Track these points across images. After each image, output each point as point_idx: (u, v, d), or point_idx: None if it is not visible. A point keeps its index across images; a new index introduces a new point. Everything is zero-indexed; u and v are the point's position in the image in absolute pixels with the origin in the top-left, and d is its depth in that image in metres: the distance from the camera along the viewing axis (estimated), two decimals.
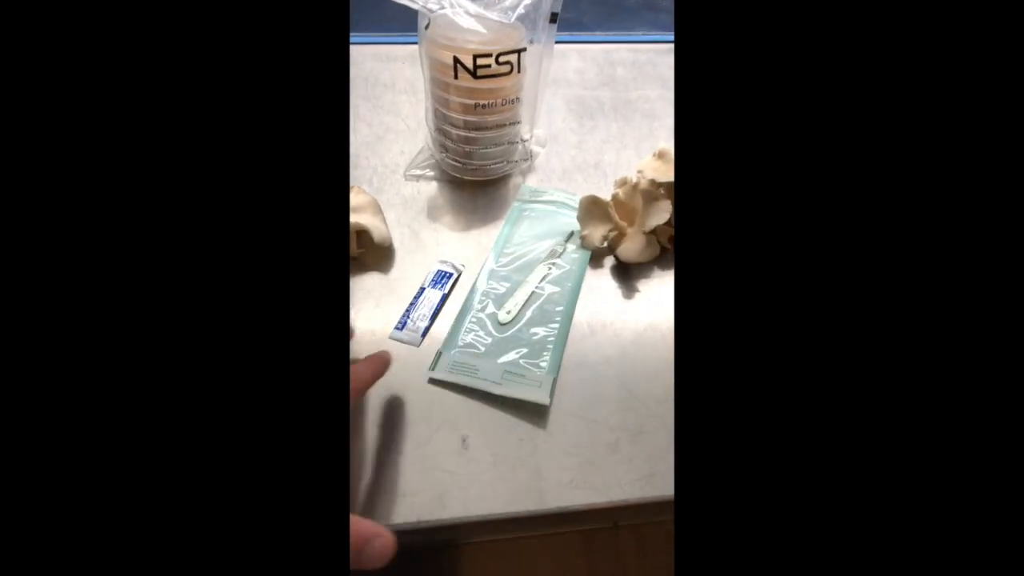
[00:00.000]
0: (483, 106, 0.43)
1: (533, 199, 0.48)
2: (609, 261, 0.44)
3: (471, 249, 0.44)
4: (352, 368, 0.30)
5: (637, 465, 0.33)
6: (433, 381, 0.36)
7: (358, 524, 0.23)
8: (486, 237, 0.45)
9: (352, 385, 0.29)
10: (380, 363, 0.32)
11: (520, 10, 0.42)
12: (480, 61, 0.41)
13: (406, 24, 0.43)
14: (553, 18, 0.44)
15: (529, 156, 0.51)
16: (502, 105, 0.44)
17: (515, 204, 0.47)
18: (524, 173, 0.51)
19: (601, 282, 0.43)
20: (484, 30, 0.41)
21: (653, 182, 0.43)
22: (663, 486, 0.33)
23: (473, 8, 0.41)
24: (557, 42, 0.45)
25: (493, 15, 0.41)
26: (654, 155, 0.46)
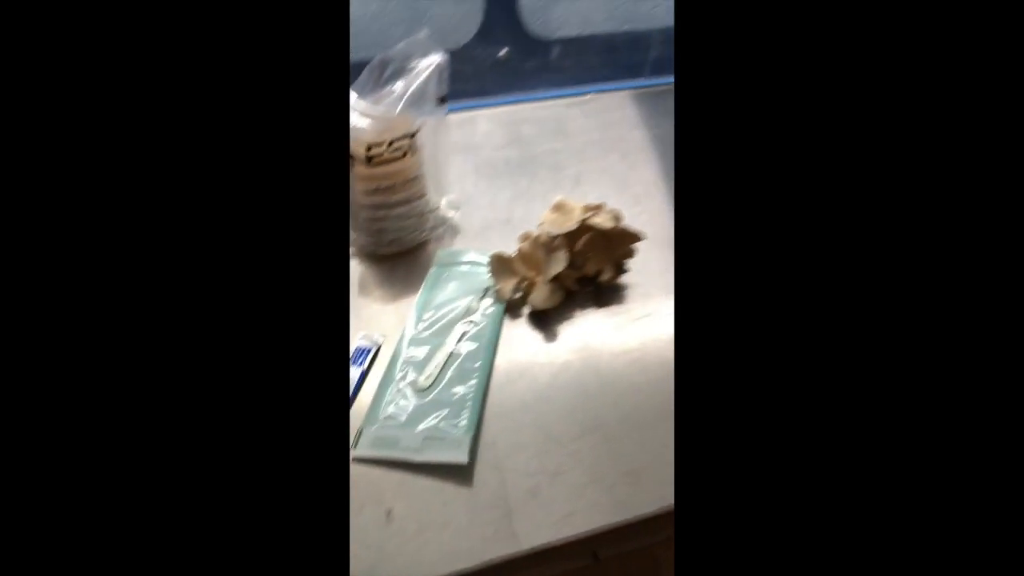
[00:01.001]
0: (385, 188, 0.47)
1: (450, 262, 0.51)
2: (527, 310, 0.47)
3: (392, 320, 0.46)
4: None
5: (556, 507, 0.35)
6: (356, 460, 0.37)
7: None
8: (407, 306, 0.48)
9: None
10: None
11: (406, 98, 0.46)
12: (372, 152, 0.45)
13: None
14: (440, 101, 0.48)
15: (443, 222, 0.55)
16: (404, 184, 0.48)
17: (432, 270, 0.50)
18: (440, 239, 0.54)
19: (520, 331, 0.46)
20: (372, 122, 0.45)
21: (549, 235, 0.46)
22: (582, 523, 0.34)
23: (361, 105, 0.45)
24: (463, 109, 0.48)
25: (380, 108, 0.46)
26: (551, 208, 0.50)
